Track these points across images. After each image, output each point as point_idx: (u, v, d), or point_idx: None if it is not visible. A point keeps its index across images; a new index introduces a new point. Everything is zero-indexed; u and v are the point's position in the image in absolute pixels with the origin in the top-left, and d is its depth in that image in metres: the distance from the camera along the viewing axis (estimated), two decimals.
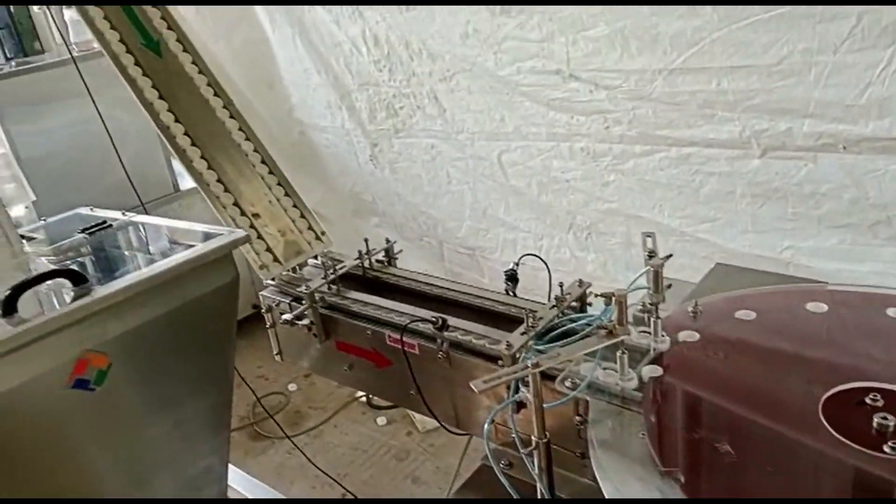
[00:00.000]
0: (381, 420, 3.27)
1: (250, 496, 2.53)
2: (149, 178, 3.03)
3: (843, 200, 1.92)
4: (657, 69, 2.04)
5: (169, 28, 2.09)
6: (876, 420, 1.13)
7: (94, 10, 1.97)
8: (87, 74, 2.65)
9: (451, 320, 1.68)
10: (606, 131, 2.25)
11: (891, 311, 1.42)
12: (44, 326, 1.46)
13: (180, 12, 2.66)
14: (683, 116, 2.07)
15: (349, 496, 2.81)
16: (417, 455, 3.04)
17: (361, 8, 2.64)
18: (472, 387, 1.30)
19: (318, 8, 2.77)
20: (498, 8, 2.29)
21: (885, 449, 1.08)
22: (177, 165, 3.37)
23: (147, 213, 2.45)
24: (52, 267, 1.94)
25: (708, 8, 1.89)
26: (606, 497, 1.14)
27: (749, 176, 2.04)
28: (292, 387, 3.59)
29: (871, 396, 1.18)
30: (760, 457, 1.15)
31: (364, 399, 3.40)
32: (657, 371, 1.34)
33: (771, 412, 1.24)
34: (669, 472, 1.13)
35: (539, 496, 1.33)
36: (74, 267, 1.93)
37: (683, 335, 1.43)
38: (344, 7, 2.69)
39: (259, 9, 3.00)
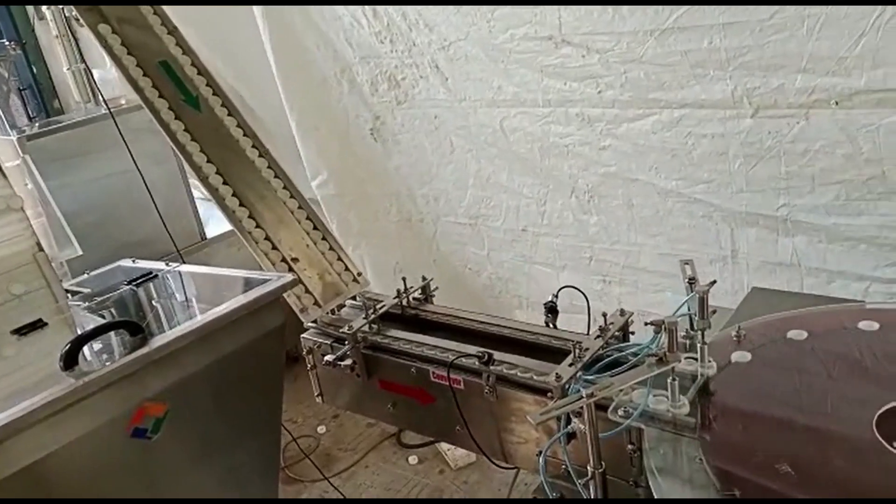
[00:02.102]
0: (413, 459, 3.26)
1: None
2: (176, 228, 3.07)
3: (837, 157, 1.93)
4: (649, 30, 2.05)
5: (207, 85, 2.16)
6: None
7: (127, 60, 2.05)
8: (110, 130, 2.72)
9: (497, 354, 1.71)
10: (599, 96, 2.26)
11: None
12: (105, 378, 1.50)
13: None
14: (676, 77, 2.08)
15: None
16: (452, 493, 3.03)
17: None
18: (530, 419, 1.33)
19: None
20: None
21: None
22: (203, 214, 3.43)
23: (184, 261, 2.49)
24: (97, 320, 1.98)
25: None
26: None
27: (741, 136, 2.05)
28: (321, 429, 3.59)
29: None
30: (821, 477, 1.17)
31: (395, 438, 3.40)
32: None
33: (826, 432, 1.26)
34: (729, 495, 1.15)
35: None
36: (120, 318, 1.97)
37: (735, 357, 1.45)
38: None
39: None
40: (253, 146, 2.15)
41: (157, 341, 1.58)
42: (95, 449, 1.55)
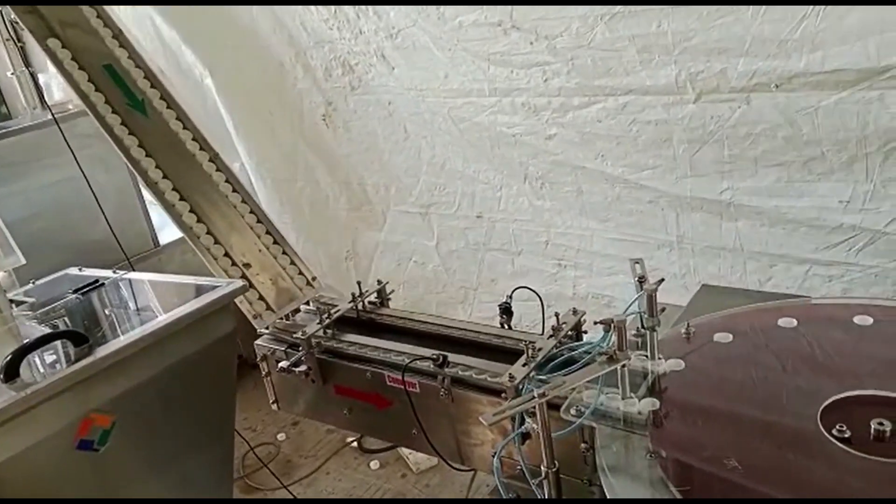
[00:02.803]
0: (375, 464, 3.24)
1: None
2: (129, 235, 3.02)
3: (778, 139, 1.96)
4: (599, 14, 2.05)
5: (152, 87, 2.12)
6: (873, 426, 1.18)
7: (78, 74, 2.00)
8: (59, 135, 2.65)
9: (451, 356, 1.70)
10: (545, 84, 2.25)
11: (857, 319, 1.49)
12: (48, 389, 1.46)
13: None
14: (622, 63, 2.08)
15: None
16: (414, 497, 3.02)
17: None
18: (482, 420, 1.33)
19: None
20: None
21: None
22: (156, 220, 3.37)
23: (133, 268, 2.44)
24: (45, 330, 1.93)
25: None
26: None
27: (685, 122, 2.07)
28: (281, 436, 3.54)
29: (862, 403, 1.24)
30: (767, 470, 1.19)
31: (355, 444, 3.37)
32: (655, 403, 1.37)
33: (772, 426, 1.29)
34: (681, 490, 1.16)
35: None
36: (66, 328, 1.92)
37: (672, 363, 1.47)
38: None
39: None
40: (202, 150, 2.11)
41: (102, 351, 1.54)
42: (40, 462, 1.51)
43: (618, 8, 2.02)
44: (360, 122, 2.87)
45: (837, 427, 1.20)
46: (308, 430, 3.52)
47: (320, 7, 2.65)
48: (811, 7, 1.77)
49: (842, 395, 1.28)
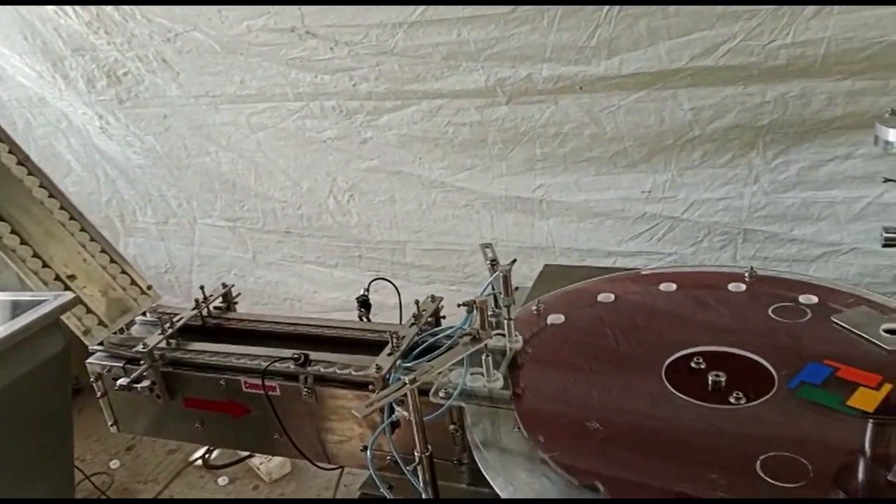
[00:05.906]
0: (223, 480, 3.09)
1: None
2: None
3: (585, 137, 2.10)
4: (397, 23, 2.08)
5: None
6: (710, 378, 1.31)
7: None
8: None
9: (313, 354, 1.66)
10: (354, 89, 2.25)
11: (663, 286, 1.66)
12: None
13: None
14: (430, 69, 2.13)
15: None
16: None
17: None
18: (356, 413, 1.31)
19: None
20: None
21: (731, 400, 1.26)
22: None
23: None
24: None
25: None
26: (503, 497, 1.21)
27: (498, 123, 2.16)
28: (114, 463, 3.27)
29: (695, 360, 1.38)
30: (622, 427, 1.28)
31: (200, 461, 3.20)
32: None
33: (624, 387, 1.39)
34: (550, 456, 1.21)
35: None
36: None
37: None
38: None
39: None
40: (10, 153, 1.89)
41: None
42: None
43: (414, 17, 2.04)
44: (137, 138, 2.66)
45: (680, 381, 1.32)
46: (145, 453, 3.29)
47: (79, 9, 2.40)
48: (602, 15, 1.88)
49: (681, 353, 1.41)
